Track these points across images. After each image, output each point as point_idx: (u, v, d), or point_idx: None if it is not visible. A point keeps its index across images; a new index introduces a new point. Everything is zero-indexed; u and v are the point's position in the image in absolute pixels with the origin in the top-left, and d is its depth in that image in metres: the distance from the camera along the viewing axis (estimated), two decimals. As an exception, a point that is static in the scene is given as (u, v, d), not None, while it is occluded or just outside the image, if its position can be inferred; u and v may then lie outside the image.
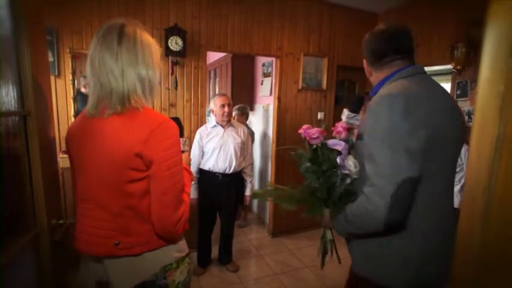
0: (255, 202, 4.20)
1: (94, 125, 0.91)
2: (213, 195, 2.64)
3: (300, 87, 3.34)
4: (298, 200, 1.21)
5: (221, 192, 2.63)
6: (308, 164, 1.21)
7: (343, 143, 1.15)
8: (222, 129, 2.58)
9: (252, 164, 2.80)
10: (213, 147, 2.55)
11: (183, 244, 1.02)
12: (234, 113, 3.74)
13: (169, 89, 2.76)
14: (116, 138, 0.87)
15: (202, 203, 2.68)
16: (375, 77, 1.17)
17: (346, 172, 1.11)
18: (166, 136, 0.88)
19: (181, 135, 1.24)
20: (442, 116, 0.93)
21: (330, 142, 1.17)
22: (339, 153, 1.14)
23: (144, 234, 0.91)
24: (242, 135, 2.65)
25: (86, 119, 0.93)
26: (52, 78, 2.37)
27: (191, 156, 2.55)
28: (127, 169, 0.86)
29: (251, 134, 3.66)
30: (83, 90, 3.19)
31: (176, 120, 1.27)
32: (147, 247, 0.91)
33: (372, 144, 0.93)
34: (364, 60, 1.19)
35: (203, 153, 2.59)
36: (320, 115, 3.52)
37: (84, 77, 3.20)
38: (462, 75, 2.70)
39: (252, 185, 2.79)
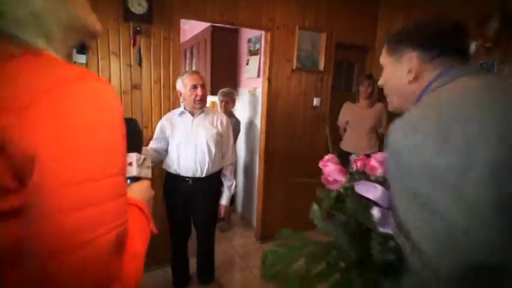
0: (239, 200, 3.69)
1: None
2: (183, 205, 2.06)
3: (294, 67, 2.80)
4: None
5: (194, 201, 2.04)
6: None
7: (380, 188, 0.64)
8: (191, 118, 1.98)
9: (233, 164, 2.17)
10: (177, 143, 1.94)
11: None
12: (218, 99, 3.16)
13: (131, 66, 2.13)
14: None
15: (171, 214, 2.12)
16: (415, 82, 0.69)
17: (389, 232, 0.62)
18: (73, 109, 0.39)
19: (136, 147, 0.71)
20: None
21: (359, 187, 0.67)
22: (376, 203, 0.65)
23: None
24: (219, 125, 2.02)
25: None
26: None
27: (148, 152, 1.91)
28: None
29: (237, 123, 3.10)
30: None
31: (130, 123, 0.73)
32: None
33: (395, 196, 0.57)
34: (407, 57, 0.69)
35: (166, 149, 2.01)
36: (316, 101, 3.02)
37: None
38: (491, 56, 2.27)
39: (231, 191, 2.15)
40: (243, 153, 3.54)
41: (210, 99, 4.01)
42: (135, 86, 2.16)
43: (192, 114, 1.98)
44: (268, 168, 2.91)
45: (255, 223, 3.20)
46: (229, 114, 3.11)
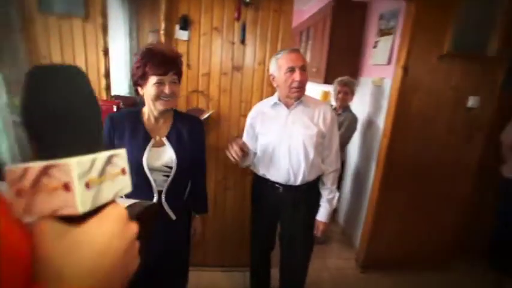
0: (342, 211, 3.13)
1: None
2: (270, 215, 1.69)
3: (444, 51, 2.01)
4: None
5: (283, 213, 1.64)
6: None
7: None
8: (286, 111, 1.54)
9: (337, 171, 1.65)
10: (267, 142, 1.54)
11: None
12: (333, 89, 2.64)
13: (233, 43, 1.84)
14: None
15: (255, 222, 1.80)
16: None
17: None
18: None
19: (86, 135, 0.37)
20: None
21: None
22: None
23: None
24: (321, 121, 1.52)
25: None
26: (79, 20, 1.71)
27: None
28: None
29: (353, 120, 2.51)
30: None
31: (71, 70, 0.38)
32: None
33: None
34: None
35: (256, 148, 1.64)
36: (472, 101, 2.14)
37: (155, 31, 2.55)
38: None
39: (332, 206, 1.65)
40: (355, 156, 2.93)
41: (322, 88, 3.50)
42: (236, 68, 1.87)
43: (288, 106, 1.54)
44: (386, 181, 2.26)
45: (358, 244, 2.61)
46: (345, 109, 2.56)
